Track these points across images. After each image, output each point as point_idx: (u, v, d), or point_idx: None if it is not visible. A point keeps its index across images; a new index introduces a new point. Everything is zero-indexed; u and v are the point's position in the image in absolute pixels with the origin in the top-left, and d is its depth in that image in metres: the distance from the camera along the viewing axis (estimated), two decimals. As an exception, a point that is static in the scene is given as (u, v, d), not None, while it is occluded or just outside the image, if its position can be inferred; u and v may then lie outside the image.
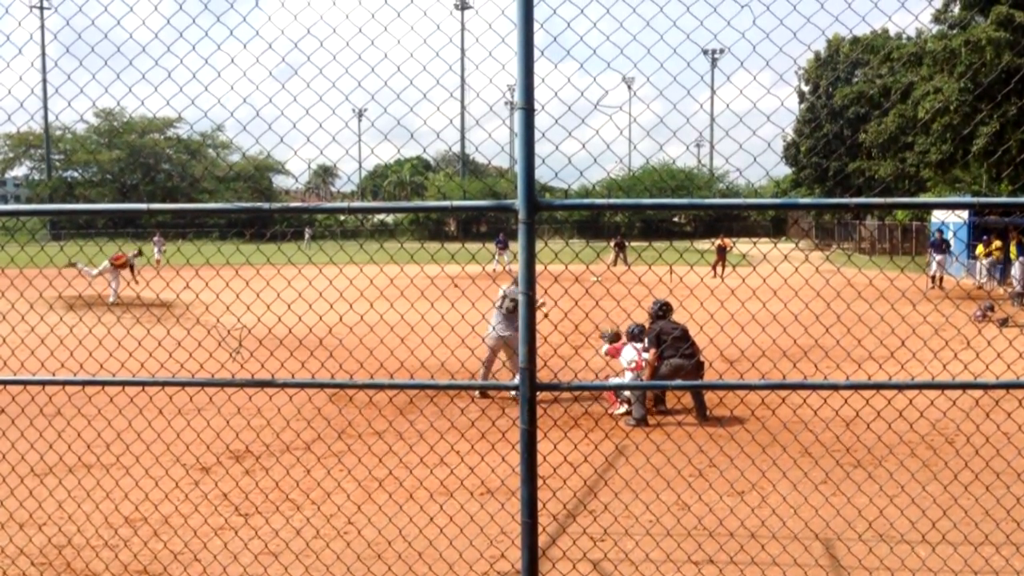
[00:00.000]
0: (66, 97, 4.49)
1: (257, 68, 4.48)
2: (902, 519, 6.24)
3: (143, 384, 4.44)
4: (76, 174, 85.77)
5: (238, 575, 5.57)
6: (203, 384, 4.37)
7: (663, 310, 10.29)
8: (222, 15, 4.32)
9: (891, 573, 5.58)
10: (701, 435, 8.96)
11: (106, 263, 22.93)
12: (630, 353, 10.42)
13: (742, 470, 7.30)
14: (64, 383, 4.56)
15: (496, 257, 35.69)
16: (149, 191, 79.12)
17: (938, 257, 26.48)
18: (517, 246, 3.70)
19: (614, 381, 10.36)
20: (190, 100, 4.67)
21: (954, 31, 31.54)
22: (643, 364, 10.35)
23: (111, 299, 22.42)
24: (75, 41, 4.68)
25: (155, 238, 38.29)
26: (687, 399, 10.59)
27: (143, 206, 4.15)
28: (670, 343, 9.86)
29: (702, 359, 10.13)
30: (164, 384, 4.43)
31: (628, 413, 10.00)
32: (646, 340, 10.22)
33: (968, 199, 3.80)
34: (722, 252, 32.52)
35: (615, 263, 36.48)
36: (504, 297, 11.10)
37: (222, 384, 4.43)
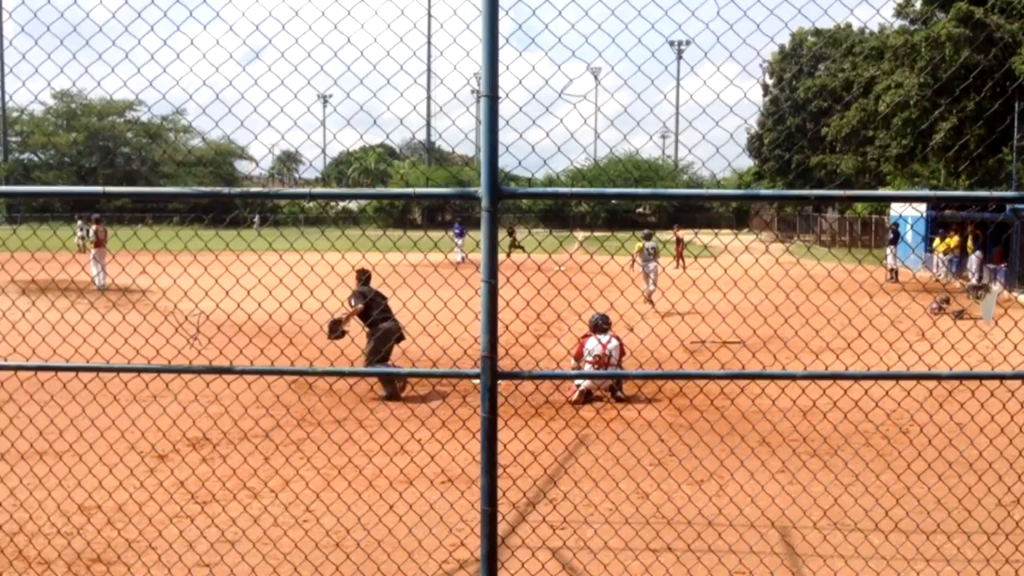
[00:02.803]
0: (21, 77, 4.39)
1: (217, 50, 4.41)
2: (856, 507, 6.34)
3: (98, 370, 4.37)
4: (33, 157, 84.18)
5: (194, 563, 5.52)
6: (159, 370, 4.31)
7: (367, 278, 10.74)
8: (181, -5, 4.25)
9: (845, 560, 5.67)
10: (660, 424, 9.02)
11: (92, 252, 22.21)
12: (592, 345, 10.48)
13: (700, 459, 7.37)
14: (16, 368, 4.47)
15: (458, 246, 35.35)
16: (107, 175, 77.67)
17: (891, 248, 27.17)
18: (480, 234, 3.68)
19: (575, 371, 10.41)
20: (148, 82, 4.58)
21: (915, 26, 31.92)
22: (606, 357, 10.39)
23: (97, 284, 21.68)
24: (31, 20, 4.57)
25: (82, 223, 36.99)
26: (648, 388, 10.67)
27: (99, 189, 4.04)
28: (381, 307, 10.46)
29: None
30: (119, 370, 4.37)
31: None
32: (352, 298, 10.52)
33: (924, 192, 3.86)
34: (680, 243, 32.66)
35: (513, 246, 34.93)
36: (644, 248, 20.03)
37: (179, 370, 4.37)
